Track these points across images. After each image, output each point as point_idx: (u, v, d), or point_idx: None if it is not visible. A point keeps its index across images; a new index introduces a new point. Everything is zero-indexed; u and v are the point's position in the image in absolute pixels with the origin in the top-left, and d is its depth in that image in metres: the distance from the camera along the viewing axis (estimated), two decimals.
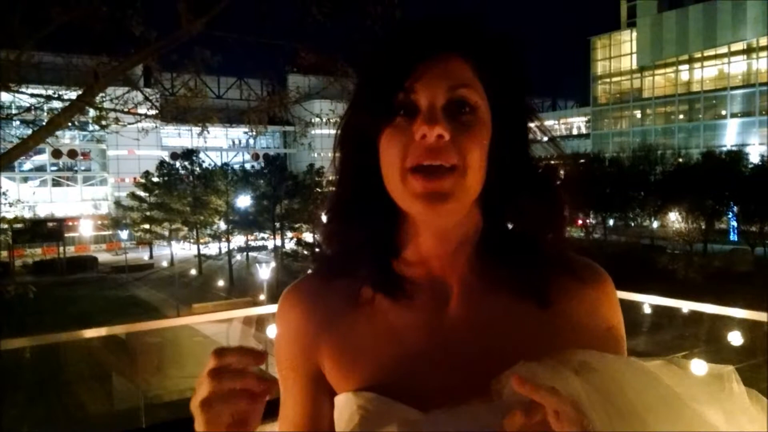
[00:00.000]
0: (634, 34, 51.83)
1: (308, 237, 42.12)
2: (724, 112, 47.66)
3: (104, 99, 8.40)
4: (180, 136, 50.83)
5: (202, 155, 42.31)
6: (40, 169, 51.49)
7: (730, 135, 46.37)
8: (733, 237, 37.27)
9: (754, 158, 36.96)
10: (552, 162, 0.86)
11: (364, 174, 0.82)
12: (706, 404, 0.73)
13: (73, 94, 8.23)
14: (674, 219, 34.70)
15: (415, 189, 0.75)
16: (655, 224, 37.16)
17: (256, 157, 53.87)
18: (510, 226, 0.85)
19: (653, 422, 0.69)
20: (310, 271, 0.94)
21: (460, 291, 0.84)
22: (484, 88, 0.79)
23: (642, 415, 0.69)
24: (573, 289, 0.84)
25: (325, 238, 0.91)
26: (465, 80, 0.77)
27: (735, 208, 34.71)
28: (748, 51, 45.88)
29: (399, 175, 0.77)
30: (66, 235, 41.59)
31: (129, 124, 8.37)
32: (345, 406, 0.82)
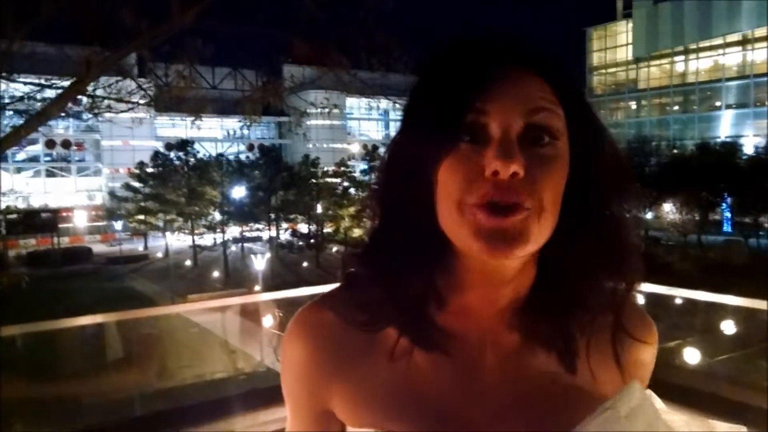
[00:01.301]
0: (630, 25, 51.79)
1: (303, 228, 42.15)
2: (719, 104, 47.73)
3: (96, 87, 8.36)
4: (174, 127, 50.66)
5: (196, 146, 42.17)
6: (34, 159, 51.26)
7: (724, 126, 46.46)
8: (727, 228, 37.42)
9: (749, 149, 37.04)
10: (629, 207, 0.73)
11: (414, 207, 0.69)
12: None
13: (66, 84, 8.19)
14: (669, 210, 34.82)
15: (480, 224, 0.63)
16: (650, 215, 37.25)
17: (251, 147, 53.74)
18: (573, 278, 0.73)
19: None
20: (321, 297, 0.80)
21: (499, 347, 0.75)
22: (565, 113, 0.67)
23: None
24: (620, 347, 0.78)
25: (355, 274, 0.78)
26: (546, 103, 0.65)
27: (729, 200, 34.82)
28: (744, 42, 45.89)
29: (458, 208, 0.64)
30: (60, 226, 41.44)
31: (121, 112, 8.35)
32: None
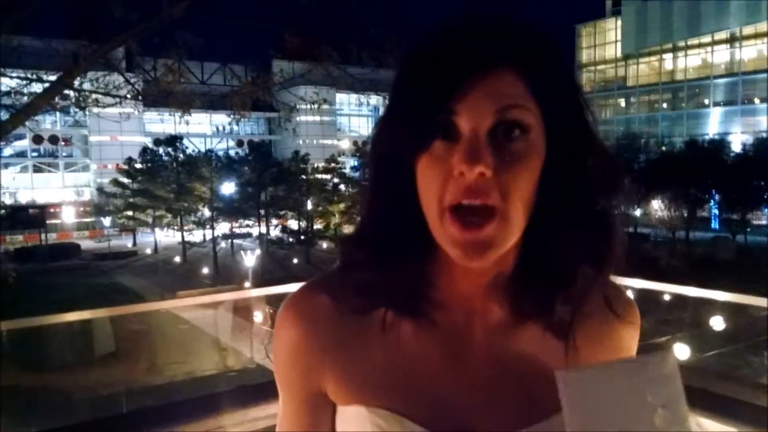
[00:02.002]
0: (619, 22, 51.98)
1: (293, 224, 42.08)
2: (707, 101, 48.04)
3: (83, 81, 8.27)
4: (163, 122, 50.33)
5: (186, 142, 41.97)
6: (21, 155, 50.77)
7: (713, 123, 46.77)
8: (715, 225, 37.72)
9: (737, 147, 37.31)
10: (611, 193, 0.75)
11: (399, 195, 0.72)
12: None
13: (53, 78, 8.10)
14: (657, 207, 35.02)
15: (453, 235, 0.67)
16: (639, 212, 37.46)
17: (240, 143, 53.53)
18: (554, 262, 0.75)
19: None
20: (314, 280, 0.82)
21: (488, 320, 0.77)
22: (538, 106, 0.67)
23: None
24: (606, 323, 0.80)
25: (349, 257, 0.79)
26: (517, 99, 0.66)
27: (717, 197, 35.09)
28: (732, 40, 46.19)
29: (437, 214, 0.68)
30: (48, 221, 41.14)
31: (108, 106, 8.26)
32: (356, 420, 0.76)
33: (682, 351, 5.62)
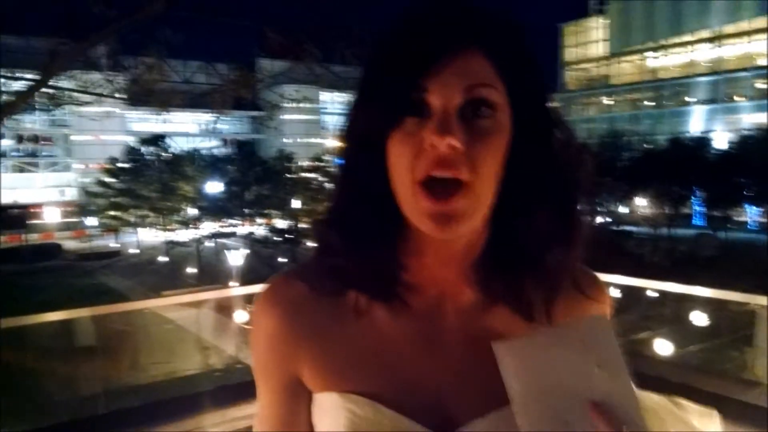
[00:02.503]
0: (602, 21, 52.31)
1: (279, 223, 41.91)
2: (689, 99, 48.47)
3: (59, 80, 8.17)
4: (147, 121, 49.94)
5: (169, 141, 41.65)
6: (1, 155, 50.14)
7: (695, 121, 47.20)
8: (697, 221, 38.06)
9: (718, 144, 37.68)
10: (575, 173, 0.77)
11: (370, 176, 0.73)
12: None
13: (31, 77, 8.00)
14: (641, 204, 35.27)
15: (424, 207, 0.69)
16: (622, 209, 37.72)
17: (225, 142, 53.23)
18: (522, 240, 0.77)
19: None
20: (289, 269, 0.85)
21: (459, 303, 0.79)
22: (505, 87, 0.70)
23: None
24: (575, 304, 0.82)
25: (321, 241, 0.81)
26: (485, 79, 0.69)
27: (699, 193, 35.41)
28: (713, 39, 46.64)
29: (409, 188, 0.70)
30: (30, 222, 40.66)
31: (86, 104, 8.17)
32: (330, 406, 0.77)
33: (663, 347, 5.66)
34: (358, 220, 0.76)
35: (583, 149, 0.79)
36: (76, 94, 8.37)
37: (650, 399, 0.74)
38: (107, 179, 40.45)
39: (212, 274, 31.73)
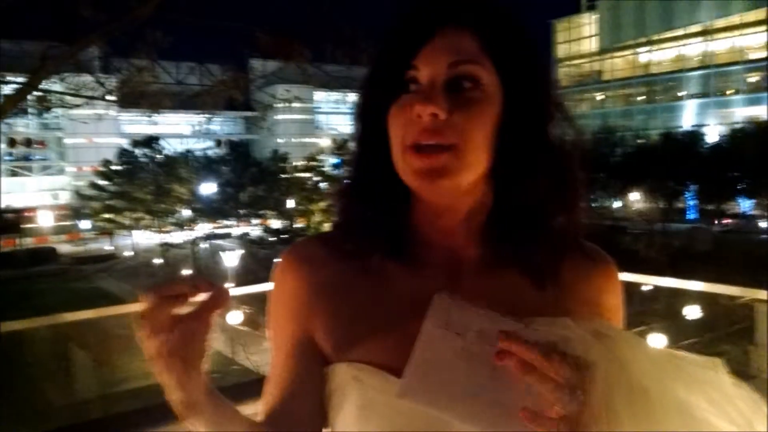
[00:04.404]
0: (594, 17, 52.38)
1: (274, 223, 41.86)
2: (681, 94, 48.57)
3: (49, 82, 8.13)
4: (140, 123, 49.76)
5: (163, 142, 41.54)
6: None
7: (687, 116, 47.31)
8: (691, 216, 38.18)
9: (711, 138, 37.78)
10: (569, 141, 0.83)
11: (378, 150, 0.81)
12: (697, 392, 0.70)
13: (22, 80, 7.97)
14: (635, 199, 35.34)
15: (412, 165, 0.76)
16: (616, 205, 37.82)
17: (219, 143, 53.12)
18: (523, 205, 0.82)
19: (660, 398, 0.67)
20: (313, 234, 0.93)
21: (469, 265, 0.84)
22: (493, 63, 0.77)
23: (650, 389, 0.67)
24: (582, 268, 0.86)
25: (339, 213, 0.90)
26: (470, 55, 0.76)
27: (693, 188, 35.51)
28: (704, 33, 46.74)
29: (401, 151, 0.77)
30: (24, 226, 40.50)
31: (76, 106, 8.15)
32: (338, 376, 0.81)
33: (657, 340, 5.69)
34: (371, 187, 0.84)
35: (575, 121, 0.84)
36: (67, 97, 8.34)
37: (650, 351, 0.73)
38: (101, 182, 40.33)
39: (208, 275, 31.65)
